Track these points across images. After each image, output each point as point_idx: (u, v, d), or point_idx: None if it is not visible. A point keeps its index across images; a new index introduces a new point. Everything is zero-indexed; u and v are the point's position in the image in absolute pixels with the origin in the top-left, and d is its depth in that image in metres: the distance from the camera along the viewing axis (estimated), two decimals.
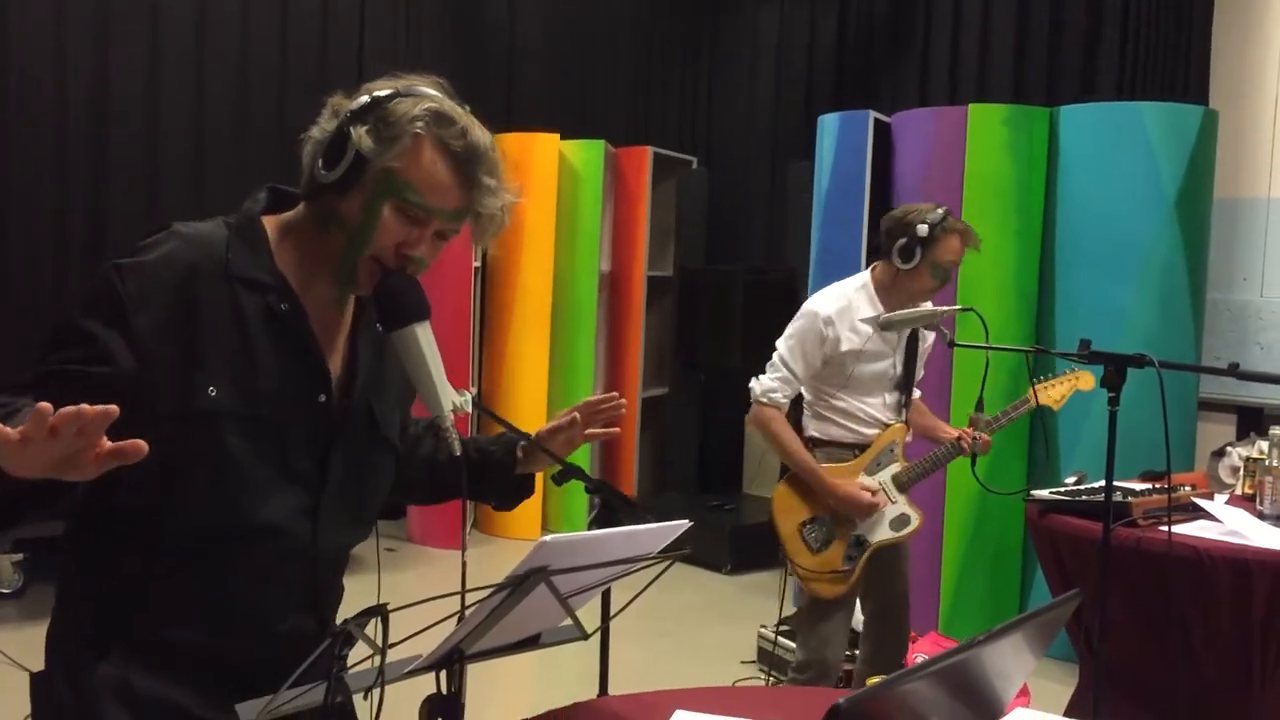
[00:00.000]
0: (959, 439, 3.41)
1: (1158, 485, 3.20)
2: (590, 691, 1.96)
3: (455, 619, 1.50)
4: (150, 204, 6.17)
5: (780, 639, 4.51)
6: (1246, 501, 3.27)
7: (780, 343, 3.51)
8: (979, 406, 2.98)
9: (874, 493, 3.40)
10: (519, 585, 1.35)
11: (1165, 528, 2.79)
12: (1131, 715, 2.82)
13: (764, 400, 3.47)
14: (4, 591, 5.36)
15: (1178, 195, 5.12)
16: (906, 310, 3.17)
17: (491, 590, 1.37)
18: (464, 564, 1.66)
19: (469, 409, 1.70)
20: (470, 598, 1.41)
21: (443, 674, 1.48)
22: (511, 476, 2.00)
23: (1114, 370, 2.48)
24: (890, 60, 7.34)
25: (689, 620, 5.67)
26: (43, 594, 5.41)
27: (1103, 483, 3.23)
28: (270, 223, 1.69)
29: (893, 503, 3.47)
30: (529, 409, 6.80)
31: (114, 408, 1.22)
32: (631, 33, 8.41)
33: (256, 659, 1.62)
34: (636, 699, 1.68)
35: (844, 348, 3.41)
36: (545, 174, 6.90)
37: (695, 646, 5.30)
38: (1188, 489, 3.19)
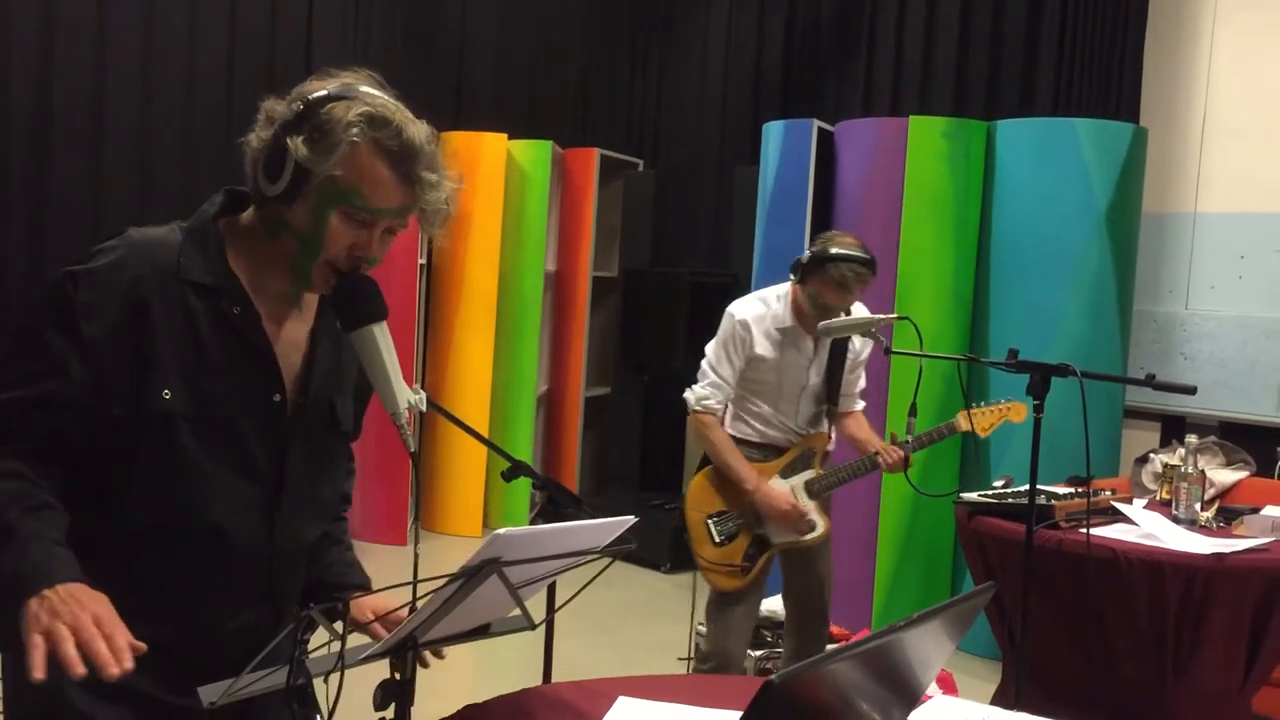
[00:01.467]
0: (876, 454, 3.47)
1: (1079, 490, 3.33)
2: (533, 682, 2.03)
3: (407, 609, 1.57)
4: (95, 205, 6.17)
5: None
6: (1164, 506, 3.41)
7: (708, 349, 3.61)
8: (912, 411, 3.07)
9: (793, 505, 3.49)
10: (473, 575, 1.42)
11: (1096, 530, 2.92)
12: (1053, 711, 2.94)
13: (699, 409, 3.56)
14: None
15: (1108, 208, 5.29)
16: (843, 319, 3.26)
17: (446, 580, 1.44)
18: (415, 555, 1.73)
19: (423, 406, 1.76)
20: (424, 588, 1.47)
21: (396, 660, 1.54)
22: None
23: (1039, 379, 2.59)
24: (835, 69, 7.48)
25: (628, 617, 5.75)
26: None
27: (1027, 486, 3.40)
28: (224, 225, 1.71)
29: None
30: (473, 405, 6.85)
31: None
32: (580, 35, 8.48)
33: (215, 650, 1.66)
34: (581, 685, 1.76)
35: (757, 351, 3.51)
36: (493, 173, 6.94)
37: (633, 642, 5.39)
38: (1108, 493, 3.33)
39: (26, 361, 1.55)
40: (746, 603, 3.57)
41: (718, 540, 3.50)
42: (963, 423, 3.38)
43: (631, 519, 1.63)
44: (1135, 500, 3.53)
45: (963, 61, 6.79)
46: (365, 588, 1.93)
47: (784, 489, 3.50)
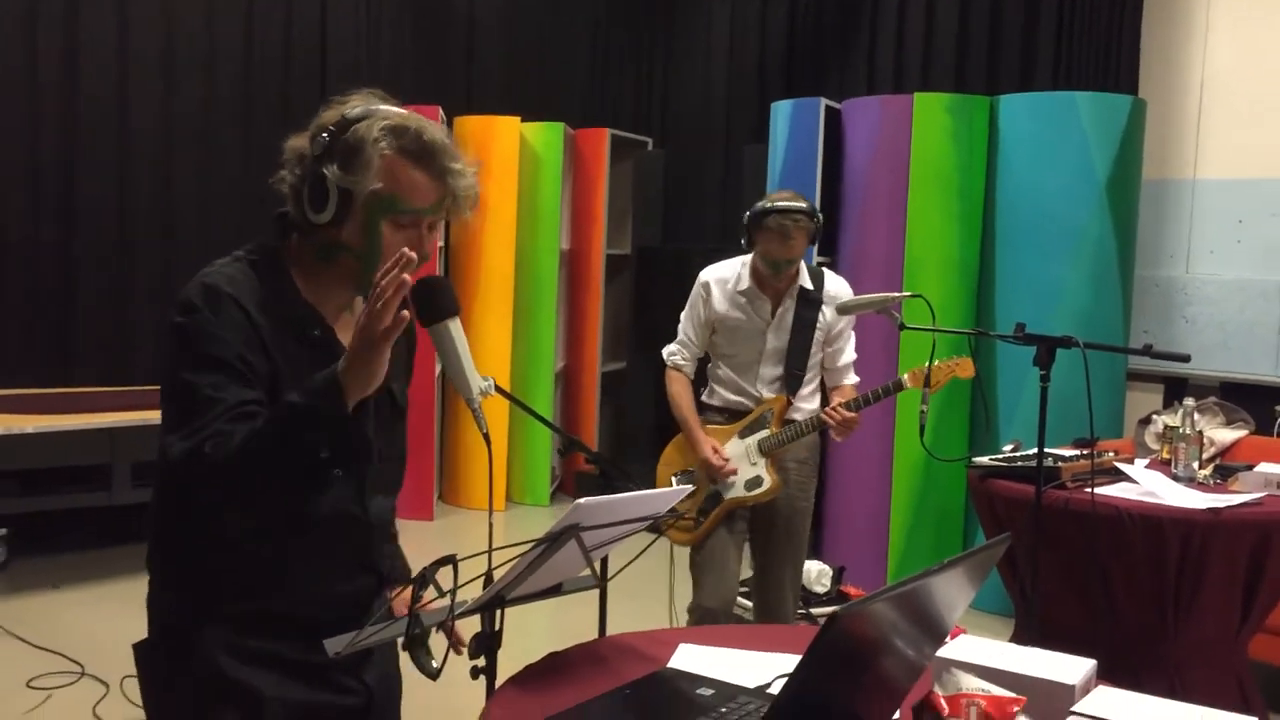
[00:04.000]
0: (822, 416, 3.58)
1: (1084, 452, 3.52)
2: (589, 635, 2.23)
3: (483, 575, 1.76)
4: (121, 205, 6.41)
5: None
6: (1165, 465, 3.60)
7: (682, 313, 3.85)
8: (926, 383, 3.24)
9: (725, 460, 3.66)
10: (556, 540, 1.63)
11: (1101, 490, 3.11)
12: None
13: (669, 364, 3.84)
14: None
15: (1109, 179, 5.46)
16: (858, 298, 3.44)
17: (532, 545, 1.64)
18: (490, 525, 1.93)
19: (492, 392, 1.95)
20: (507, 553, 1.67)
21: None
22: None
23: (1044, 351, 2.78)
24: (839, 48, 7.62)
25: (656, 579, 5.94)
26: (25, 567, 5.63)
27: (1035, 449, 3.59)
28: (284, 253, 1.88)
29: (751, 464, 3.71)
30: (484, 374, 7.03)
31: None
32: (588, 17, 8.63)
33: (333, 615, 1.84)
34: (646, 635, 1.97)
35: (717, 310, 3.72)
36: (507, 156, 7.11)
37: (663, 602, 5.58)
38: (1111, 455, 3.52)
39: (216, 395, 1.69)
40: (713, 561, 3.71)
41: None
42: (909, 381, 3.45)
43: (687, 488, 1.83)
44: (1138, 460, 3.72)
45: (963, 38, 6.94)
46: (407, 578, 2.11)
47: (713, 441, 3.69)
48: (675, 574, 4.06)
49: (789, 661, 1.83)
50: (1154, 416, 4.62)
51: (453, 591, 1.58)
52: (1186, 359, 2.77)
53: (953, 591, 1.41)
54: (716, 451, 3.68)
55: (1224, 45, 6.20)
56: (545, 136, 7.33)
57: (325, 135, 1.76)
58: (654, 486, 4.07)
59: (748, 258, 3.69)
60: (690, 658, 1.85)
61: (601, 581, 1.87)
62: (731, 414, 3.77)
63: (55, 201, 6.23)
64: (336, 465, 1.70)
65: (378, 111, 1.77)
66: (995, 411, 5.57)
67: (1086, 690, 1.61)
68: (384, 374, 1.66)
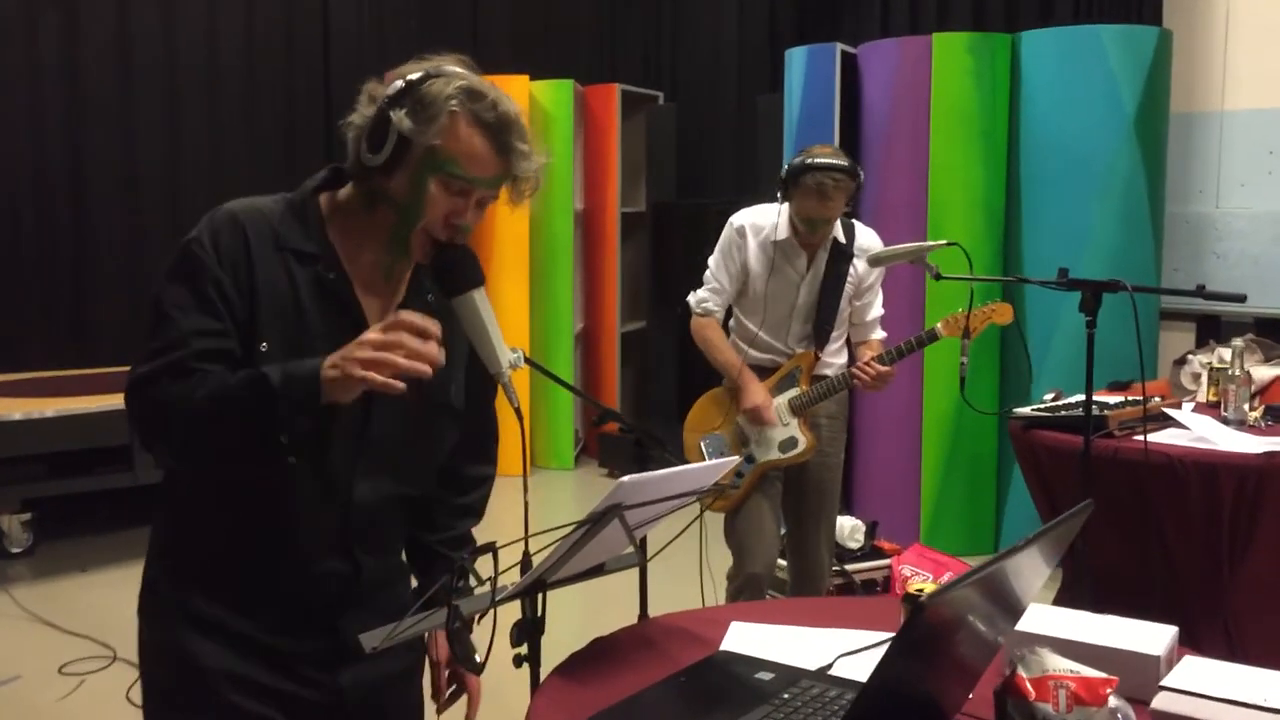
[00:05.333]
0: (854, 369, 3.48)
1: (1129, 398, 3.41)
2: (629, 617, 2.15)
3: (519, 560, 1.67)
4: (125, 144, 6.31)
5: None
6: (1211, 409, 3.50)
7: (711, 258, 3.67)
8: (966, 334, 3.12)
9: (765, 402, 3.52)
10: (600, 521, 1.54)
11: (1139, 438, 3.01)
12: (1115, 609, 3.06)
13: (698, 310, 3.65)
14: (15, 550, 5.52)
15: (1136, 113, 5.31)
16: (893, 248, 3.29)
17: (575, 526, 1.55)
18: (525, 504, 1.84)
19: (521, 364, 1.86)
20: (546, 535, 1.58)
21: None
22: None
23: (1090, 296, 2.66)
24: None
25: (689, 549, 5.88)
26: (52, 551, 5.60)
27: (1077, 398, 3.49)
28: (324, 199, 1.81)
29: (784, 425, 3.59)
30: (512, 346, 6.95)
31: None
32: None
33: (304, 594, 1.78)
34: (693, 615, 1.88)
35: (750, 260, 3.56)
36: None
37: (694, 571, 5.52)
38: (1157, 400, 3.41)
39: (184, 322, 1.65)
40: (751, 524, 3.59)
41: (707, 460, 3.55)
42: (944, 329, 3.32)
43: (735, 459, 1.73)
44: (1182, 404, 3.61)
45: None
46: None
47: (765, 393, 3.55)
48: (708, 543, 3.97)
49: (848, 638, 1.74)
50: (1189, 356, 4.51)
51: (494, 580, 1.50)
52: (1242, 299, 2.65)
53: (1032, 568, 1.31)
54: (765, 403, 3.53)
55: None
56: (555, 95, 7.19)
57: (402, 82, 1.70)
58: (681, 451, 3.95)
59: (784, 207, 3.53)
60: (744, 638, 1.76)
61: (643, 560, 1.78)
62: (758, 371, 3.64)
63: (64, 184, 6.17)
64: (291, 453, 1.62)
65: (458, 73, 1.71)
66: (1024, 356, 5.45)
67: (1171, 661, 1.52)
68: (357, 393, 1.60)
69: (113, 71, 6.30)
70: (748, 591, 3.63)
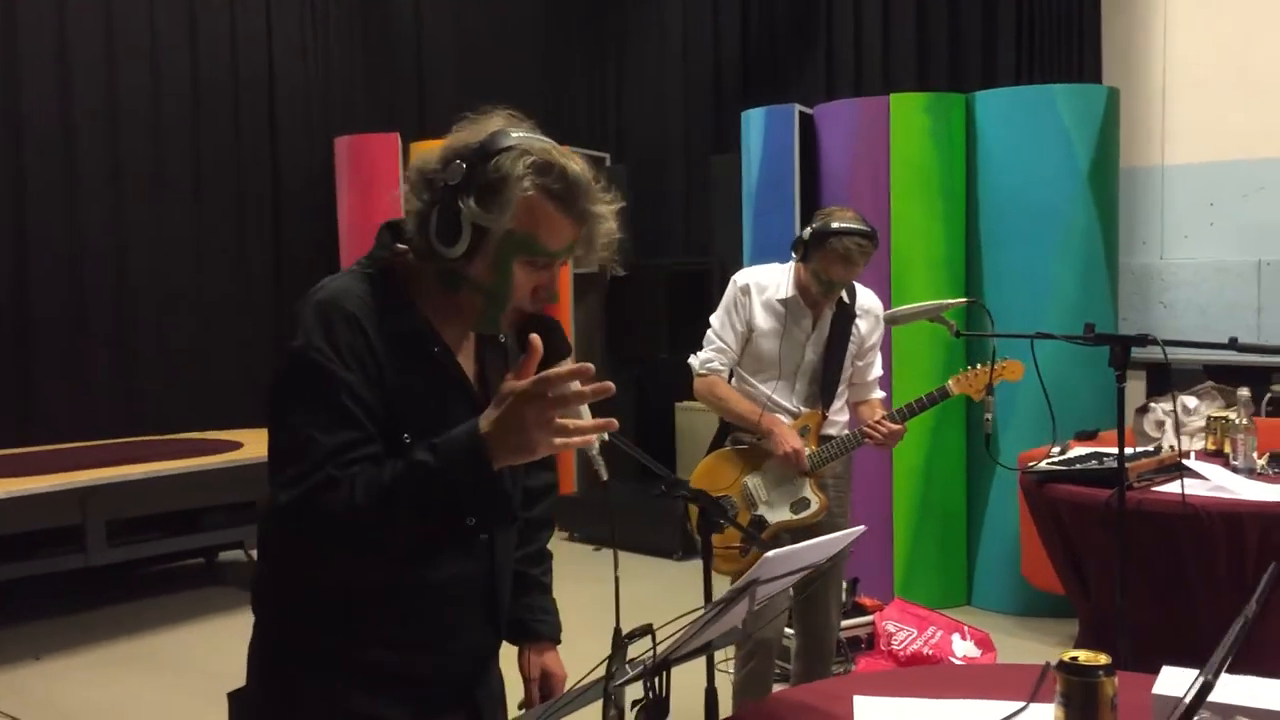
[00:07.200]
0: (863, 429, 3.48)
1: (1144, 450, 3.46)
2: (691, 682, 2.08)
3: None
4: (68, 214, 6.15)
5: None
6: (1215, 457, 3.56)
7: (713, 318, 3.63)
8: (989, 390, 3.13)
9: (799, 448, 3.45)
10: (739, 595, 1.49)
11: (1160, 488, 3.05)
12: (1139, 660, 3.07)
13: (704, 371, 3.59)
14: None
15: (1090, 169, 5.45)
16: (910, 306, 3.30)
17: (715, 604, 1.50)
18: (616, 579, 1.78)
19: (608, 436, 1.82)
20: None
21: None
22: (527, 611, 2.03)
23: (1120, 350, 2.70)
24: (795, 53, 7.57)
25: (653, 607, 5.81)
26: (6, 637, 5.34)
27: (1085, 450, 3.53)
28: (400, 268, 1.73)
29: (794, 485, 3.55)
30: None
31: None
32: (537, 34, 8.47)
33: (448, 674, 1.74)
34: (813, 689, 1.83)
35: (756, 320, 3.54)
36: None
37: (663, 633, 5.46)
38: (1169, 449, 3.46)
39: (326, 439, 1.56)
40: None
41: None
42: (954, 387, 3.36)
43: (861, 529, 1.70)
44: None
45: (923, 36, 6.94)
46: (553, 637, 2.01)
47: (798, 436, 3.50)
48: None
49: (982, 709, 1.70)
50: (1151, 405, 4.60)
51: (655, 661, 1.44)
52: (1278, 351, 2.70)
53: None
54: (799, 448, 3.46)
55: (1183, 31, 6.26)
56: None
57: (462, 163, 1.61)
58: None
59: (789, 266, 3.53)
60: (875, 714, 1.71)
61: (749, 634, 1.74)
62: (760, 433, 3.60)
63: (4, 260, 5.97)
64: (481, 530, 1.56)
65: (521, 143, 1.62)
66: (994, 411, 5.49)
67: None
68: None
69: (55, 137, 6.13)
70: (757, 657, 3.56)
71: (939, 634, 4.81)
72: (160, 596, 5.94)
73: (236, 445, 5.91)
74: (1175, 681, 1.61)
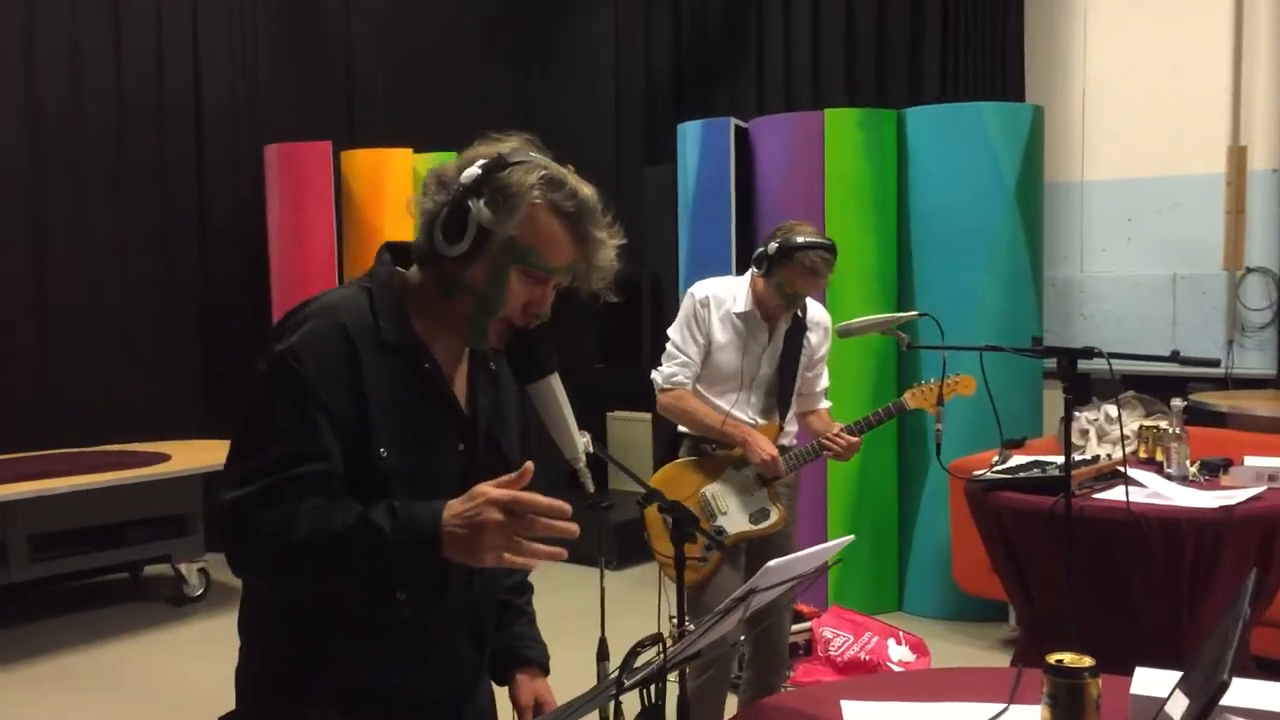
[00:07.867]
0: (823, 441, 3.53)
1: (1039, 457, 3.59)
2: None
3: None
4: None
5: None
6: (1149, 464, 3.68)
7: (671, 331, 3.63)
8: (940, 401, 3.21)
9: (776, 456, 3.48)
10: (738, 604, 1.52)
11: (1100, 495, 3.14)
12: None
13: (668, 386, 3.59)
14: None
15: (1016, 184, 5.60)
16: (863, 319, 3.36)
17: (719, 610, 1.53)
18: (602, 590, 1.80)
19: (592, 449, 1.85)
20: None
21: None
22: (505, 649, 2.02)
23: (1068, 363, 2.78)
24: (726, 68, 7.65)
25: (588, 617, 5.82)
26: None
27: (1026, 459, 3.64)
28: (398, 283, 1.76)
29: (753, 496, 3.58)
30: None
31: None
32: (466, 44, 8.42)
33: (436, 693, 1.75)
34: (801, 694, 1.87)
35: (714, 333, 3.56)
36: (400, 189, 6.87)
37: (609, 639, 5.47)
38: (1106, 457, 3.57)
39: (282, 445, 1.57)
40: (718, 593, 3.47)
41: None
42: (910, 401, 3.44)
43: (849, 538, 1.74)
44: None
45: (851, 52, 7.06)
46: (543, 664, 2.01)
47: (767, 439, 3.53)
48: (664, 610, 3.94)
49: (966, 712, 1.75)
50: (1075, 414, 4.74)
51: (662, 673, 1.46)
52: (1216, 364, 2.82)
53: None
54: (776, 456, 3.48)
55: (1103, 53, 6.46)
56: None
57: (478, 169, 1.66)
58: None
59: (745, 279, 3.57)
60: (864, 717, 1.75)
61: (737, 644, 1.77)
62: (723, 444, 3.63)
63: None
64: (408, 606, 1.66)
65: (535, 159, 1.69)
66: (921, 420, 5.61)
67: None
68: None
69: None
70: (717, 665, 3.58)
71: (875, 639, 4.89)
72: (84, 612, 5.80)
73: (164, 457, 5.80)
74: (1152, 682, 1.68)
